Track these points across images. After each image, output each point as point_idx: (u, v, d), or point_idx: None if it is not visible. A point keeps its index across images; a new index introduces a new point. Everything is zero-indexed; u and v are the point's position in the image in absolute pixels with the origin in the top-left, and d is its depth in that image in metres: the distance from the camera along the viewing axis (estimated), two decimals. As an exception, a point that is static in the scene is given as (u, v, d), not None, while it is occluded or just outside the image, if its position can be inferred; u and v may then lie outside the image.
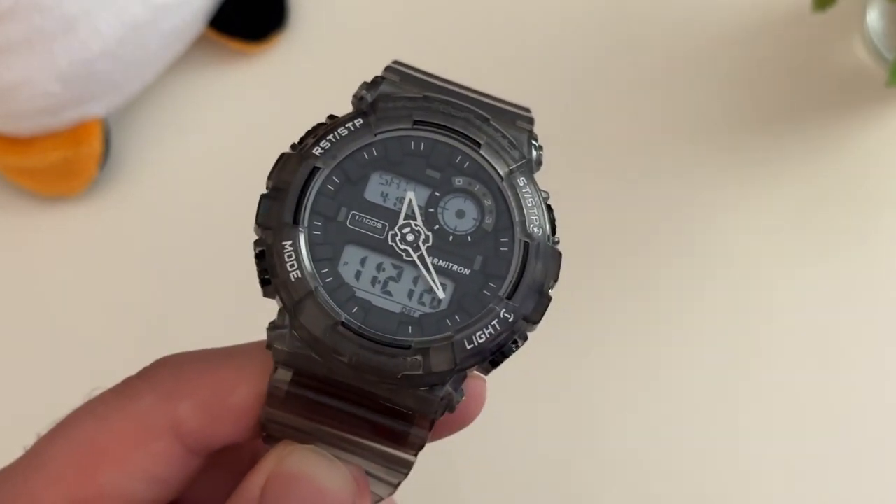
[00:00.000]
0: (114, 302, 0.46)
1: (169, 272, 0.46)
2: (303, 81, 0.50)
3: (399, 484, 0.23)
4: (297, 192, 0.22)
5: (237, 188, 0.48)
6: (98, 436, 0.23)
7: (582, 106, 0.48)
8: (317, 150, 0.22)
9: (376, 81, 0.23)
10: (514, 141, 0.23)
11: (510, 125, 0.23)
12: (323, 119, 0.24)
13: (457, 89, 0.24)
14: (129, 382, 0.24)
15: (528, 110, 0.24)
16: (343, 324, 0.21)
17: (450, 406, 0.22)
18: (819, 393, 0.43)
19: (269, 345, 0.22)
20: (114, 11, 0.43)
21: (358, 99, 0.23)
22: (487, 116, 0.23)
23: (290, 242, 0.22)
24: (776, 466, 0.42)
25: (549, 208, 0.23)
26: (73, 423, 0.23)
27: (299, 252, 0.22)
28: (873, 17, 0.49)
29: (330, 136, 0.22)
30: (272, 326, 0.22)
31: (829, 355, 0.44)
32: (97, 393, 0.24)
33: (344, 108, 0.25)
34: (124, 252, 0.47)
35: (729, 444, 0.42)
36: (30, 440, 0.24)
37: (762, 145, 0.48)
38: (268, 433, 0.23)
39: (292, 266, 0.22)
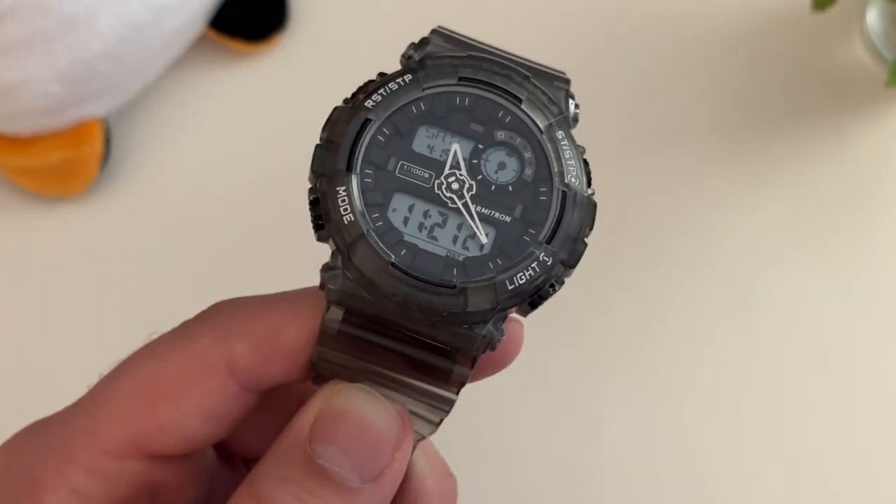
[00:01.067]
0: (114, 302, 0.46)
1: (169, 272, 0.46)
2: (303, 81, 0.50)
3: (440, 422, 0.24)
4: (351, 142, 0.23)
5: (237, 188, 0.48)
6: (158, 374, 0.24)
7: (583, 106, 0.48)
8: (368, 103, 0.24)
9: (423, 42, 0.25)
10: (552, 97, 0.25)
11: (548, 84, 0.25)
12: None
13: (498, 51, 0.25)
14: (187, 325, 0.25)
15: (563, 73, 0.26)
16: (393, 264, 0.23)
17: (491, 344, 0.23)
18: (819, 392, 0.43)
19: (322, 285, 0.23)
20: (114, 11, 0.43)
21: (406, 58, 0.25)
22: (528, 74, 0.25)
23: (343, 188, 0.23)
24: (776, 466, 0.42)
25: (585, 162, 0.24)
26: (134, 363, 0.25)
27: (352, 197, 0.23)
28: (873, 17, 0.49)
29: (381, 91, 0.24)
30: (325, 268, 0.23)
31: (830, 354, 0.44)
32: (155, 336, 0.25)
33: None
34: (124, 252, 0.47)
35: (729, 443, 0.42)
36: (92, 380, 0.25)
37: (761, 145, 0.48)
38: (317, 372, 0.24)
39: (345, 210, 0.23)
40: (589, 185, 0.24)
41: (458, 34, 0.26)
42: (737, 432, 0.43)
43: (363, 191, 0.23)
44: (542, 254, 0.23)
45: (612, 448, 0.42)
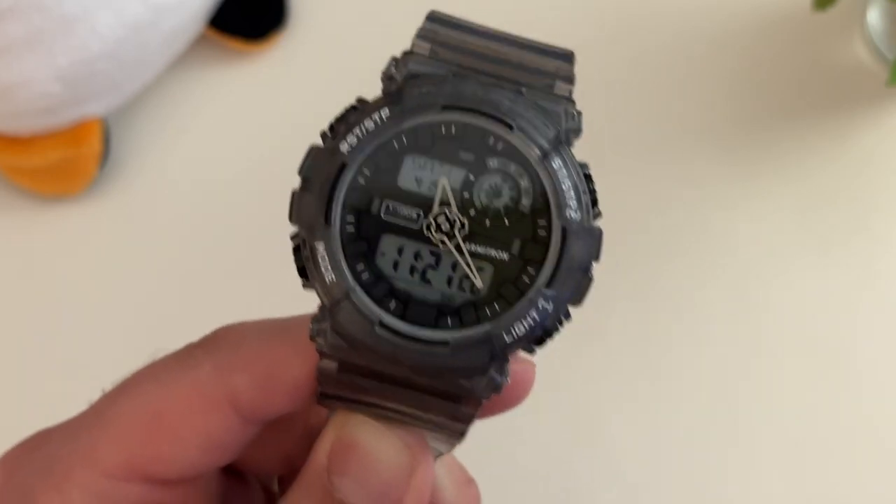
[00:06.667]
0: (114, 301, 0.46)
1: (168, 271, 0.46)
2: (302, 81, 0.50)
3: (456, 443, 0.24)
4: (328, 191, 0.22)
5: (237, 187, 0.48)
6: (159, 401, 0.24)
7: (583, 105, 0.48)
8: (344, 147, 0.22)
9: (405, 58, 0.22)
10: (549, 112, 0.22)
11: (547, 93, 0.22)
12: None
13: (494, 46, 0.23)
14: (190, 351, 0.25)
15: (569, 59, 0.23)
16: (381, 324, 0.21)
17: (496, 389, 0.22)
18: (819, 391, 0.43)
19: (311, 337, 0.22)
20: (114, 12, 0.43)
21: (387, 77, 0.22)
22: (521, 85, 0.22)
23: (322, 244, 0.21)
24: (776, 464, 0.42)
25: (588, 178, 0.22)
26: (136, 386, 0.24)
27: (333, 252, 0.21)
28: (874, 17, 0.49)
29: (357, 131, 0.22)
30: (314, 319, 0.22)
31: (829, 352, 0.44)
32: (159, 355, 0.25)
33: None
34: (124, 251, 0.47)
35: (731, 444, 0.42)
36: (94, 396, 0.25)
37: (762, 144, 0.48)
38: (327, 406, 0.23)
39: (326, 269, 0.21)
40: (594, 205, 0.22)
41: (452, 26, 0.23)
42: (738, 433, 0.43)
43: (345, 243, 0.21)
44: (542, 300, 0.21)
45: (613, 449, 0.42)
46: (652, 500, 0.42)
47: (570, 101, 0.23)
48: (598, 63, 0.50)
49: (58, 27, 0.42)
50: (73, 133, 0.45)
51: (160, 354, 0.25)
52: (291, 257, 0.22)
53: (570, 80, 0.23)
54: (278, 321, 0.25)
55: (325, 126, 0.22)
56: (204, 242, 0.47)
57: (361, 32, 0.51)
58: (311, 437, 0.24)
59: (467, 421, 0.23)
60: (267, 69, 0.50)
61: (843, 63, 0.49)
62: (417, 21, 0.25)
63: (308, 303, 0.24)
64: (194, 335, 0.27)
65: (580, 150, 0.24)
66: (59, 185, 0.47)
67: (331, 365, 0.22)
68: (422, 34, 0.23)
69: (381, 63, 0.24)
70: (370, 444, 0.22)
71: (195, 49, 0.49)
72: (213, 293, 0.45)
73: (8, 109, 0.44)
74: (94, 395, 0.25)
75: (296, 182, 0.22)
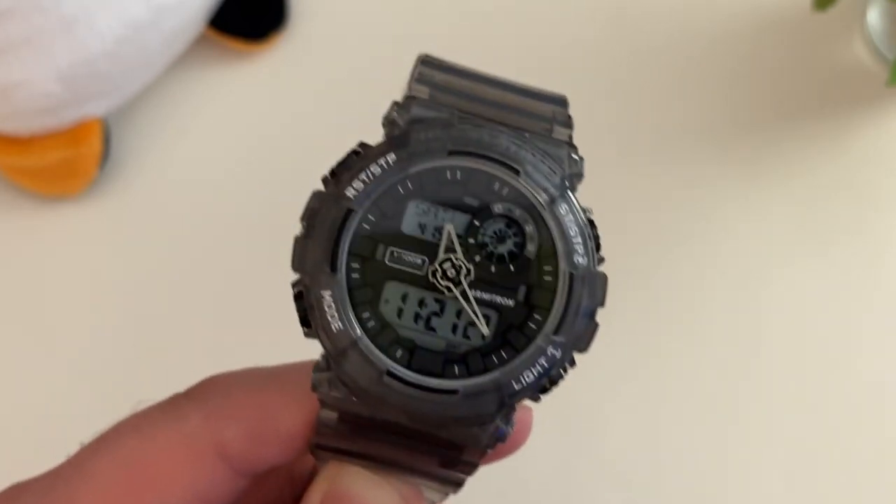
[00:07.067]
0: (113, 301, 0.46)
1: (168, 272, 0.46)
2: (303, 81, 0.50)
3: (452, 493, 0.23)
4: (333, 238, 0.21)
5: (237, 187, 0.48)
6: (144, 454, 0.23)
7: (585, 105, 0.48)
8: (350, 192, 0.22)
9: (407, 103, 0.23)
10: (554, 158, 0.22)
11: (547, 138, 0.23)
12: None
13: (491, 92, 0.23)
14: (176, 401, 0.24)
15: (563, 103, 0.23)
16: (389, 373, 0.21)
17: (501, 438, 0.22)
18: (819, 390, 0.43)
19: (313, 387, 0.22)
20: (114, 12, 0.43)
21: (389, 122, 0.22)
22: (525, 135, 0.23)
23: (329, 292, 0.21)
24: (776, 463, 0.42)
25: (592, 223, 0.22)
26: (119, 437, 0.23)
27: (339, 300, 0.21)
28: (874, 17, 0.49)
29: (363, 176, 0.22)
30: (317, 368, 0.22)
31: (829, 352, 0.44)
32: (142, 406, 0.24)
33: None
34: (124, 251, 0.47)
35: (728, 441, 0.42)
36: (72, 448, 0.24)
37: (762, 144, 0.48)
38: (318, 458, 0.23)
39: (333, 316, 0.21)
40: (598, 249, 0.22)
41: (447, 71, 0.23)
42: (738, 433, 0.43)
43: (351, 289, 0.21)
44: (550, 347, 0.22)
45: (613, 449, 0.42)
46: (651, 499, 0.42)
47: (572, 145, 0.23)
48: (598, 63, 0.50)
49: (57, 27, 0.42)
50: (73, 133, 0.45)
51: (143, 405, 0.24)
52: (292, 299, 0.21)
53: (567, 124, 0.23)
54: (267, 369, 0.24)
55: (324, 158, 0.22)
56: (204, 242, 0.47)
57: (361, 33, 0.51)
58: (294, 486, 0.24)
59: (469, 471, 0.23)
60: (267, 69, 0.50)
61: (843, 63, 0.49)
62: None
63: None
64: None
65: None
66: (59, 185, 0.47)
67: (331, 415, 0.22)
68: (419, 78, 0.23)
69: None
70: (364, 495, 0.22)
71: (195, 49, 0.49)
72: (213, 293, 0.45)
73: (8, 109, 0.44)
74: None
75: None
